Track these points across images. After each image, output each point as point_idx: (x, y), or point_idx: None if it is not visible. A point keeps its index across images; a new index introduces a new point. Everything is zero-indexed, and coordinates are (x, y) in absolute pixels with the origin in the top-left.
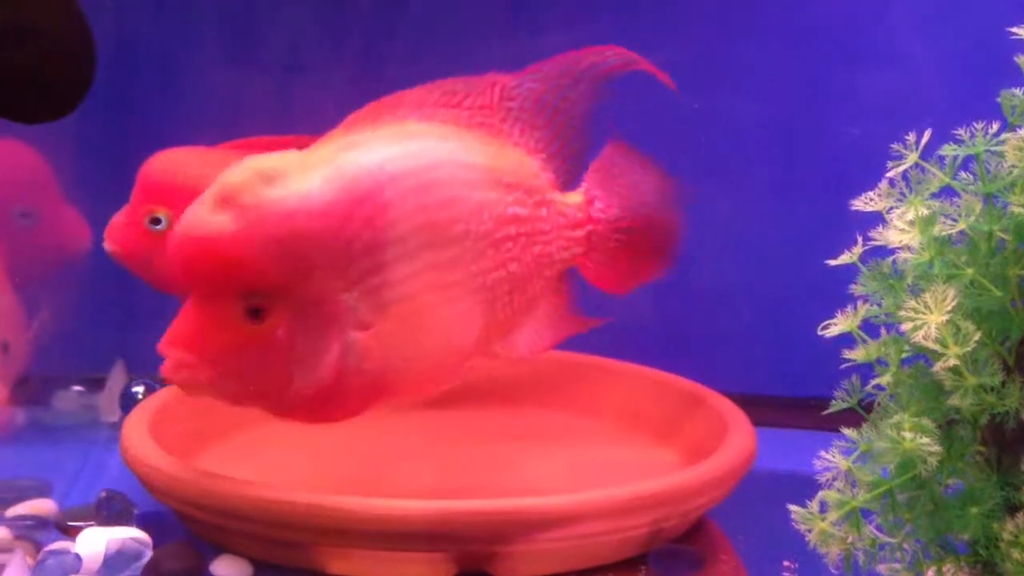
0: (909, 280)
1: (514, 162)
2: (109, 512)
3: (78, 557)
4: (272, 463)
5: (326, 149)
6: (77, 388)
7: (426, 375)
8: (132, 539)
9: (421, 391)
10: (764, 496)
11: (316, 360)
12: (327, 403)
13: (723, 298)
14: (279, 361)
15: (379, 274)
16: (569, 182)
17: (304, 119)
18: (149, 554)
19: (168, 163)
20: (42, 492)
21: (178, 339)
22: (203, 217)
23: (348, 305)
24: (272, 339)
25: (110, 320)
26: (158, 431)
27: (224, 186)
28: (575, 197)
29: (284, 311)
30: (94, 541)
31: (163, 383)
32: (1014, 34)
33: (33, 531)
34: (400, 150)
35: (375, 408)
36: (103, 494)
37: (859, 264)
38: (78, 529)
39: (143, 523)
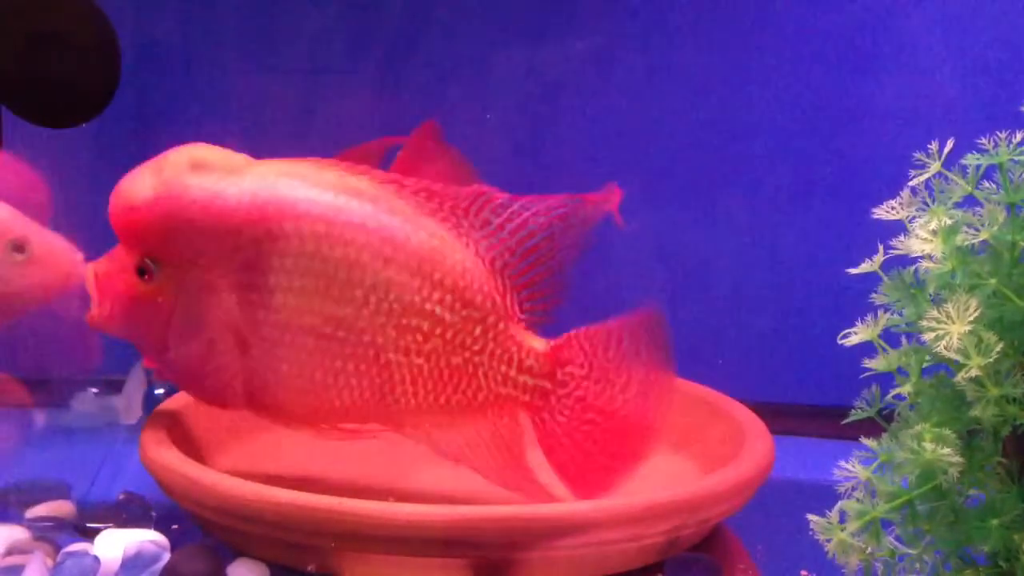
0: (931, 290)
1: (457, 266)
2: (128, 514)
3: (96, 559)
4: (290, 467)
5: (268, 166)
6: (95, 390)
7: (296, 406)
8: (150, 542)
9: (296, 419)
10: (782, 505)
11: (188, 336)
12: (204, 382)
13: (742, 305)
14: (155, 323)
15: (257, 292)
16: (542, 325)
17: (327, 123)
18: (167, 557)
19: None
20: (61, 494)
21: (95, 273)
22: (136, 176)
23: (228, 305)
24: (153, 301)
25: None
26: (176, 433)
27: (162, 159)
28: (537, 343)
29: (169, 282)
30: (112, 543)
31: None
32: None
33: (52, 532)
34: (324, 197)
35: (260, 416)
36: (122, 496)
37: (880, 273)
38: (97, 531)
39: (161, 525)
